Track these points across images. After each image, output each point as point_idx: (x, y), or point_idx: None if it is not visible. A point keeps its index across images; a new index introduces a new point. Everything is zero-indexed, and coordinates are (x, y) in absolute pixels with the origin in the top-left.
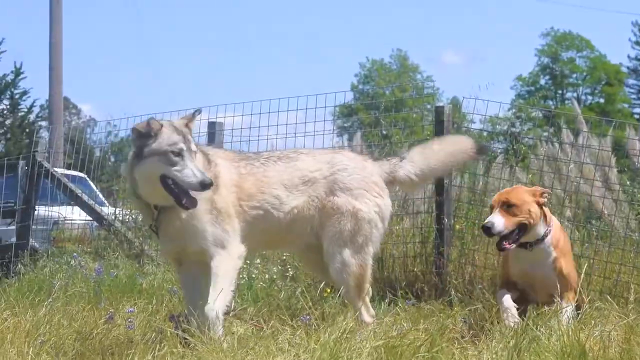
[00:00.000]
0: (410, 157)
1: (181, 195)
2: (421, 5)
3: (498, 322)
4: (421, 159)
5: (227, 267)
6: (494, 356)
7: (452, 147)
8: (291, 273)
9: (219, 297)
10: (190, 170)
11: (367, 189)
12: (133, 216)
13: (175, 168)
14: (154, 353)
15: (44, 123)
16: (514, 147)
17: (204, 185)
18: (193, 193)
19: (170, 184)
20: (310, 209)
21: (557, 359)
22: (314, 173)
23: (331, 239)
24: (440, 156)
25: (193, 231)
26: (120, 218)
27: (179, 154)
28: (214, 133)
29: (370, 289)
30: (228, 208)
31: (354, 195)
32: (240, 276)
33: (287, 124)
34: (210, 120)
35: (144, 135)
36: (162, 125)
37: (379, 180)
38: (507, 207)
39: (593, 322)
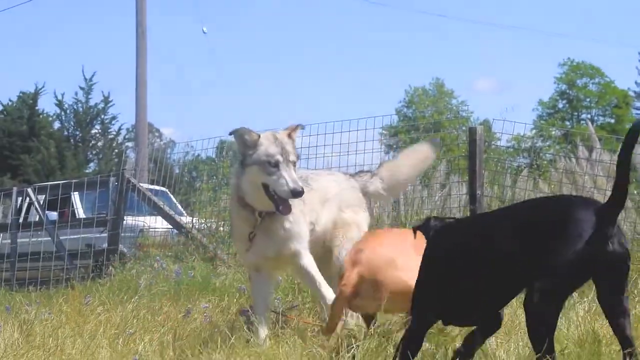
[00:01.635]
0: (380, 173)
1: (279, 201)
2: (456, 39)
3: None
4: (389, 175)
5: (314, 264)
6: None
7: (416, 158)
8: None
9: (326, 287)
10: (284, 179)
11: (360, 204)
12: (208, 224)
13: (272, 177)
14: (227, 342)
15: (130, 144)
16: (537, 162)
17: (295, 193)
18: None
19: (271, 191)
20: (329, 223)
21: (575, 346)
22: (329, 193)
23: (341, 246)
24: (406, 169)
25: (293, 235)
26: (197, 226)
27: (276, 164)
28: None
29: None
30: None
31: (355, 210)
32: None
33: (340, 144)
34: None
35: (247, 145)
36: (259, 136)
37: (362, 196)
38: None
39: None
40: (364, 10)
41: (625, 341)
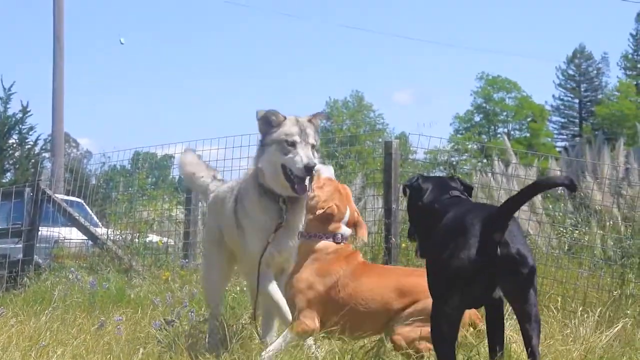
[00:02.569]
0: None
1: (295, 180)
2: (376, 52)
3: None
4: None
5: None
6: None
7: None
8: None
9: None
10: (300, 156)
11: None
12: (123, 236)
13: (289, 156)
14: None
15: (47, 155)
16: (453, 175)
17: (308, 169)
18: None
19: (288, 173)
20: None
21: None
22: None
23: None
24: None
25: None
26: (112, 237)
27: (293, 144)
28: None
29: None
30: None
31: None
32: None
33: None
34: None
35: (271, 125)
36: (285, 118)
37: None
38: None
39: None
40: (284, 25)
41: (529, 351)
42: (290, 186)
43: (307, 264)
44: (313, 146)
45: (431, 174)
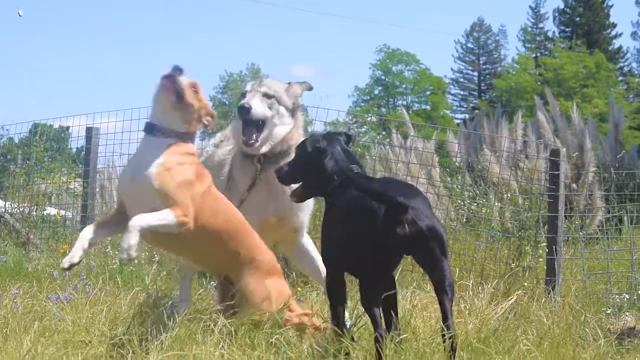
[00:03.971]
0: None
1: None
2: (274, 25)
3: None
4: None
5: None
6: None
7: None
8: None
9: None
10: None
11: None
12: (20, 209)
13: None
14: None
15: None
16: (351, 148)
17: (240, 109)
18: None
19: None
20: None
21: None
22: None
23: None
24: None
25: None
26: (9, 210)
27: (243, 94)
28: (90, 137)
29: None
30: None
31: None
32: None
33: None
34: (88, 125)
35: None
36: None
37: None
38: None
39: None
40: None
41: (443, 315)
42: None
43: None
44: (266, 95)
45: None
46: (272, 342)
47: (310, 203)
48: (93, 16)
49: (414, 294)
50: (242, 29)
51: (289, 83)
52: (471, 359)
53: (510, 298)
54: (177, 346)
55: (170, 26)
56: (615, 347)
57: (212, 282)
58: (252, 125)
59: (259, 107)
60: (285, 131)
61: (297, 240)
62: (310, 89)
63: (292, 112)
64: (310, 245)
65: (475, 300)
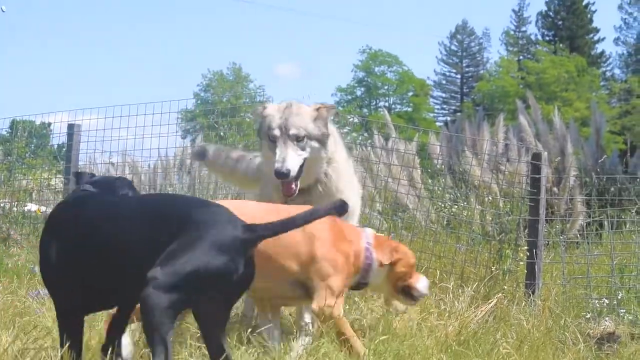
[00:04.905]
0: None
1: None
2: (257, 24)
3: None
4: None
5: None
6: None
7: None
8: None
9: None
10: (276, 157)
11: None
12: (1, 204)
13: (273, 154)
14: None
15: None
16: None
17: (277, 174)
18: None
19: None
20: None
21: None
22: None
23: None
24: None
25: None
26: None
27: (274, 139)
28: (72, 134)
29: None
30: None
31: None
32: None
33: (136, 127)
34: (69, 122)
35: (257, 115)
36: (264, 108)
37: None
38: None
39: None
40: None
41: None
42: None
43: None
44: (297, 138)
45: None
46: None
47: (357, 209)
48: (76, 12)
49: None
50: (225, 27)
51: (318, 108)
52: None
53: (490, 301)
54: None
55: (154, 24)
56: (594, 352)
57: None
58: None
59: (295, 164)
60: (319, 167)
61: None
62: (337, 113)
63: (323, 141)
64: None
65: (456, 302)
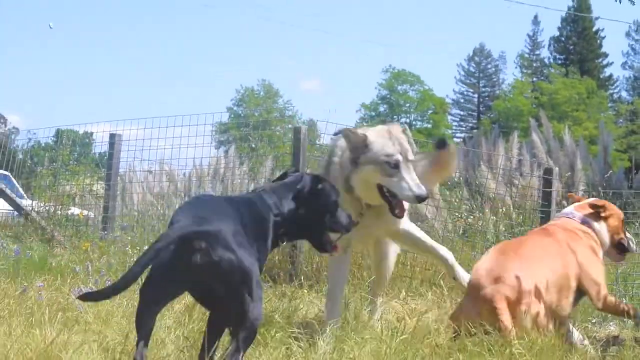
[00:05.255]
0: None
1: (395, 205)
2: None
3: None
4: None
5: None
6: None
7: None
8: None
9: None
10: (407, 183)
11: None
12: (46, 207)
13: (393, 179)
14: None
15: None
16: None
17: (420, 199)
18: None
19: (385, 192)
20: None
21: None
22: None
23: None
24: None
25: (395, 228)
26: (36, 209)
27: (396, 165)
28: (113, 143)
29: None
30: None
31: None
32: None
33: (173, 137)
34: (111, 132)
35: (356, 145)
36: (365, 136)
37: None
38: None
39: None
40: (199, 10)
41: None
42: (388, 206)
43: None
44: (412, 161)
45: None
46: None
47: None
48: (116, 24)
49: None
50: (256, 45)
51: (403, 129)
52: (466, 359)
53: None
54: (192, 339)
55: (192, 40)
56: (600, 354)
57: None
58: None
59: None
60: None
61: (404, 232)
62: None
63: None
64: (412, 226)
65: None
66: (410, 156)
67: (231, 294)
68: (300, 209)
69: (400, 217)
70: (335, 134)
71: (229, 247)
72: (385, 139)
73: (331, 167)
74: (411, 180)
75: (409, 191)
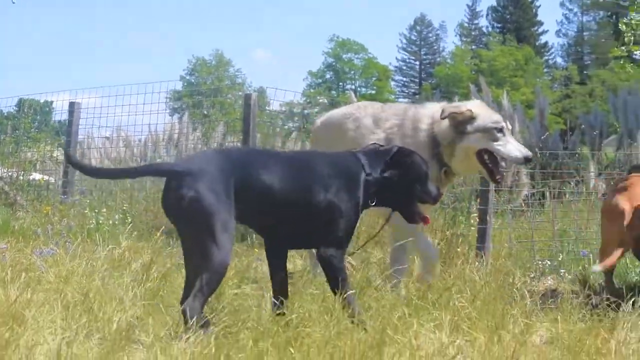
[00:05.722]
0: None
1: (495, 171)
2: (236, 12)
3: None
4: None
5: None
6: None
7: None
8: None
9: None
10: (513, 145)
11: None
12: (9, 173)
13: (499, 143)
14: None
15: None
16: (305, 126)
17: (527, 160)
18: None
19: (486, 159)
20: None
21: None
22: None
23: None
24: None
25: None
26: None
27: (501, 130)
28: (72, 111)
29: None
30: None
31: None
32: None
33: (129, 105)
34: (70, 100)
35: (462, 120)
36: (470, 111)
37: None
38: None
39: None
40: None
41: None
42: (487, 174)
43: None
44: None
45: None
46: None
47: None
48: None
49: None
50: (207, 15)
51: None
52: (412, 314)
53: (448, 263)
54: (149, 297)
55: (148, 11)
56: (539, 306)
57: None
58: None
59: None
60: None
61: None
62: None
63: None
64: None
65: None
66: (509, 125)
67: (196, 235)
68: (391, 176)
69: (499, 182)
70: (443, 118)
71: (194, 188)
72: (487, 109)
73: (419, 134)
74: (516, 143)
75: (517, 152)
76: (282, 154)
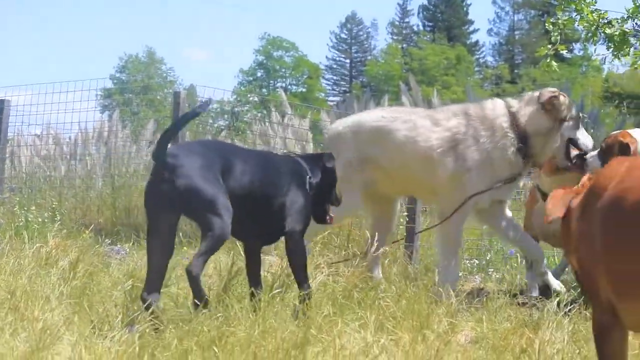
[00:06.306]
0: None
1: (576, 158)
2: (168, 11)
3: None
4: None
5: None
6: None
7: None
8: None
9: None
10: (588, 136)
11: None
12: None
13: (580, 132)
14: None
15: None
16: (235, 124)
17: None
18: None
19: (571, 149)
20: None
21: None
22: None
23: None
24: None
25: None
26: None
27: (580, 119)
28: (2, 108)
29: None
30: None
31: None
32: None
33: (59, 102)
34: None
35: (561, 108)
36: (565, 97)
37: None
38: None
39: None
40: None
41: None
42: (566, 159)
43: None
44: None
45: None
46: None
47: None
48: None
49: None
50: (139, 13)
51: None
52: (337, 313)
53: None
54: (75, 296)
55: (80, 7)
56: (465, 305)
57: None
58: None
59: None
60: None
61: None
62: None
63: None
64: None
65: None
66: None
67: (198, 217)
68: (322, 180)
69: (573, 170)
70: (542, 102)
71: (189, 177)
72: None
73: (496, 133)
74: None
75: (591, 142)
76: (251, 150)
